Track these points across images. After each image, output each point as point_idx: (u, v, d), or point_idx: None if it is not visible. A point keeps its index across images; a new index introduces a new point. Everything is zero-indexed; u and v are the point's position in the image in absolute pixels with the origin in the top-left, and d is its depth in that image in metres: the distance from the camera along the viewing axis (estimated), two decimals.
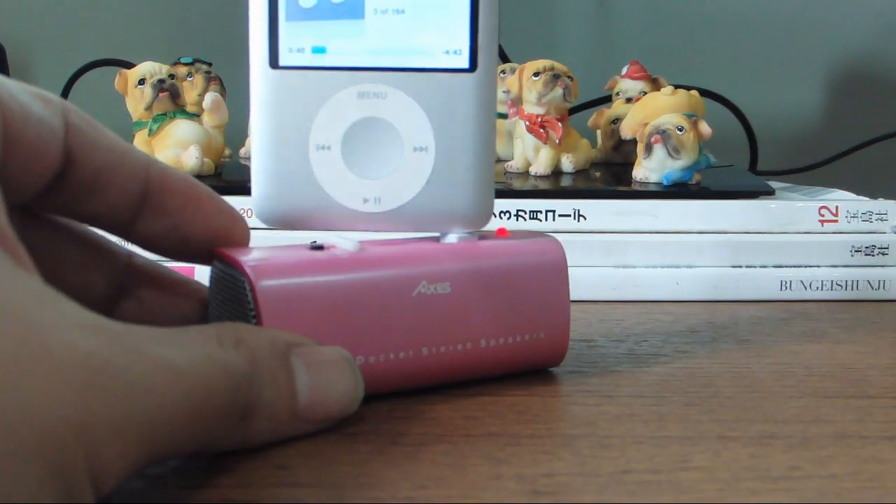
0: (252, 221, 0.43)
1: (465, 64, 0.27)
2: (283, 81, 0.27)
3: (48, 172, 0.23)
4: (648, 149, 0.46)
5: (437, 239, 0.28)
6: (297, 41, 0.27)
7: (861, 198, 0.47)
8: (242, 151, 0.59)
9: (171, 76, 0.49)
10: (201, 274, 0.38)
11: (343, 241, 0.27)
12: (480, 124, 0.27)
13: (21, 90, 0.22)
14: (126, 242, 0.26)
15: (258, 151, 0.28)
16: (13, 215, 0.22)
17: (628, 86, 0.59)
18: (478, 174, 0.28)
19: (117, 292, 0.27)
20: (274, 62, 0.27)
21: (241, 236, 0.27)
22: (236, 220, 0.27)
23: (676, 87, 0.49)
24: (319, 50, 0.27)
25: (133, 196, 0.25)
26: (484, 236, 0.29)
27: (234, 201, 0.43)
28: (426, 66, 0.27)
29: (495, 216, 0.43)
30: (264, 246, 0.27)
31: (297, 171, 0.28)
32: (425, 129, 0.28)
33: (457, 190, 0.28)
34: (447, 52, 0.27)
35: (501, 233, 0.29)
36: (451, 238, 0.28)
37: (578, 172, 0.52)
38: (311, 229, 0.28)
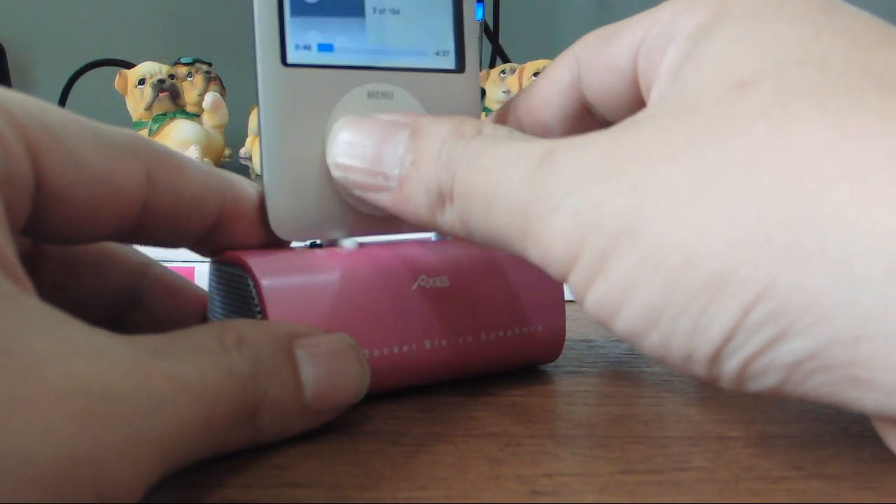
0: None
1: (454, 65, 0.28)
2: (294, 79, 0.26)
3: (108, 228, 0.23)
4: None
5: (431, 237, 0.29)
6: (303, 38, 0.26)
7: None
8: (242, 151, 0.59)
9: (171, 76, 0.49)
10: (202, 274, 0.38)
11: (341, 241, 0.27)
12: None
13: (97, 141, 0.21)
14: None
15: (272, 151, 0.26)
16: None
17: None
18: None
19: (129, 302, 0.27)
20: (284, 59, 0.26)
21: None
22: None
23: None
24: (326, 48, 0.26)
25: (206, 228, 0.25)
26: None
27: None
28: (425, 67, 0.28)
29: None
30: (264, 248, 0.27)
31: (311, 171, 0.26)
32: None
33: None
34: (437, 53, 0.28)
35: None
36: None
37: None
38: (326, 237, 0.27)
